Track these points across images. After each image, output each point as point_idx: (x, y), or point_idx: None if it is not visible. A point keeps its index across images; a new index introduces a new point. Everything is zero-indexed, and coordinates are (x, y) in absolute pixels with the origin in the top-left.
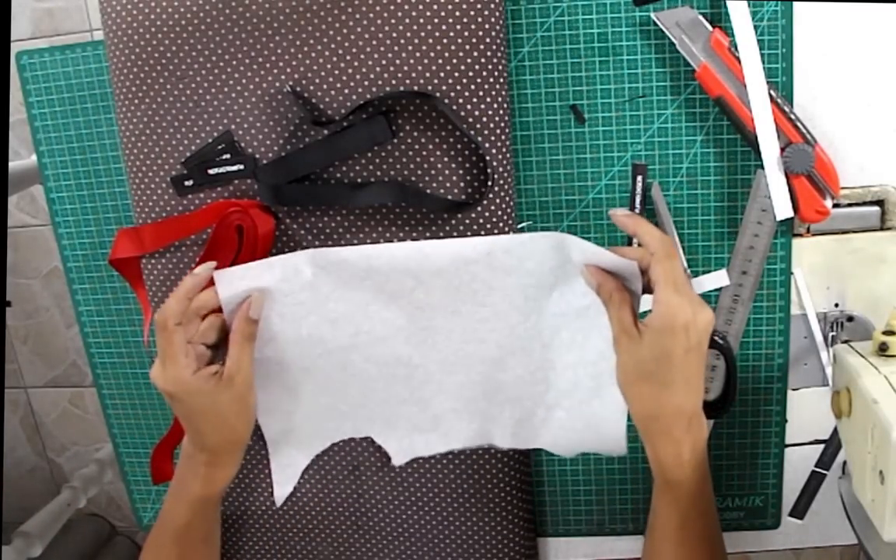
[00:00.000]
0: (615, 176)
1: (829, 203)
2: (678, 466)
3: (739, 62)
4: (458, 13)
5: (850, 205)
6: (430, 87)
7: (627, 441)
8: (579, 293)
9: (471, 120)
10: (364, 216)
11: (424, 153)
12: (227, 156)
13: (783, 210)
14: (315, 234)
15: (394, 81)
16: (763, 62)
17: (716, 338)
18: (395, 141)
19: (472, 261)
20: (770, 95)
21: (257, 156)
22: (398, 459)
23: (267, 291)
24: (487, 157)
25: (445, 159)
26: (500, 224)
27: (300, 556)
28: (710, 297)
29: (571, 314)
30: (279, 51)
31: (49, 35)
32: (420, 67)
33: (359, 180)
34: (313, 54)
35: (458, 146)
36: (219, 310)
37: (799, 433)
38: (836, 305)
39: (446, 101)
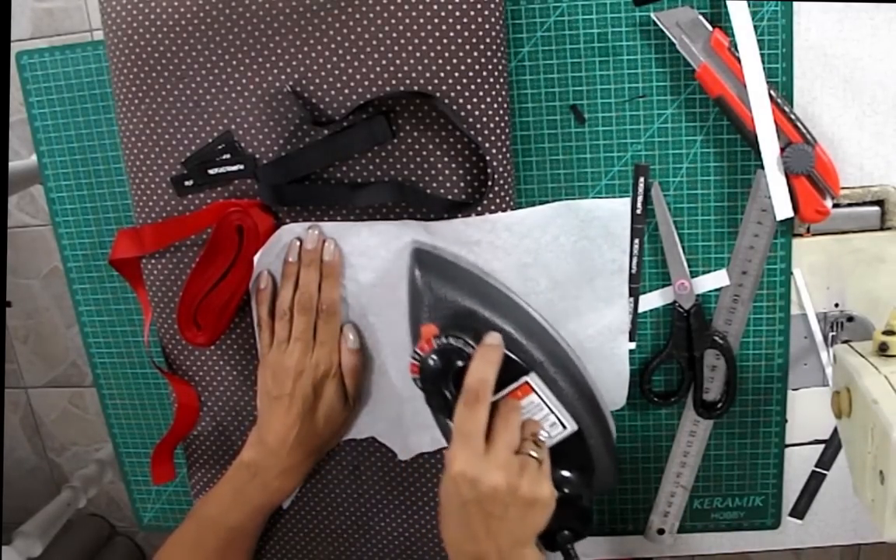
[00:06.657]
0: (615, 176)
1: (829, 203)
2: None
3: (739, 62)
4: (458, 13)
5: (850, 205)
6: (430, 87)
7: (627, 418)
8: (572, 263)
9: (471, 120)
10: (364, 216)
11: (424, 153)
12: (227, 156)
13: (783, 210)
14: None
15: (394, 81)
16: (763, 62)
17: (716, 338)
18: (395, 141)
19: (474, 241)
20: (770, 95)
21: (257, 156)
22: (404, 455)
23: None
24: (487, 157)
25: (445, 159)
26: None
27: (300, 555)
28: (710, 297)
29: (567, 284)
30: (279, 51)
31: (49, 35)
32: (420, 67)
33: (359, 180)
34: (313, 54)
35: (458, 146)
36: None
37: (799, 433)
38: (836, 305)
39: (446, 101)
